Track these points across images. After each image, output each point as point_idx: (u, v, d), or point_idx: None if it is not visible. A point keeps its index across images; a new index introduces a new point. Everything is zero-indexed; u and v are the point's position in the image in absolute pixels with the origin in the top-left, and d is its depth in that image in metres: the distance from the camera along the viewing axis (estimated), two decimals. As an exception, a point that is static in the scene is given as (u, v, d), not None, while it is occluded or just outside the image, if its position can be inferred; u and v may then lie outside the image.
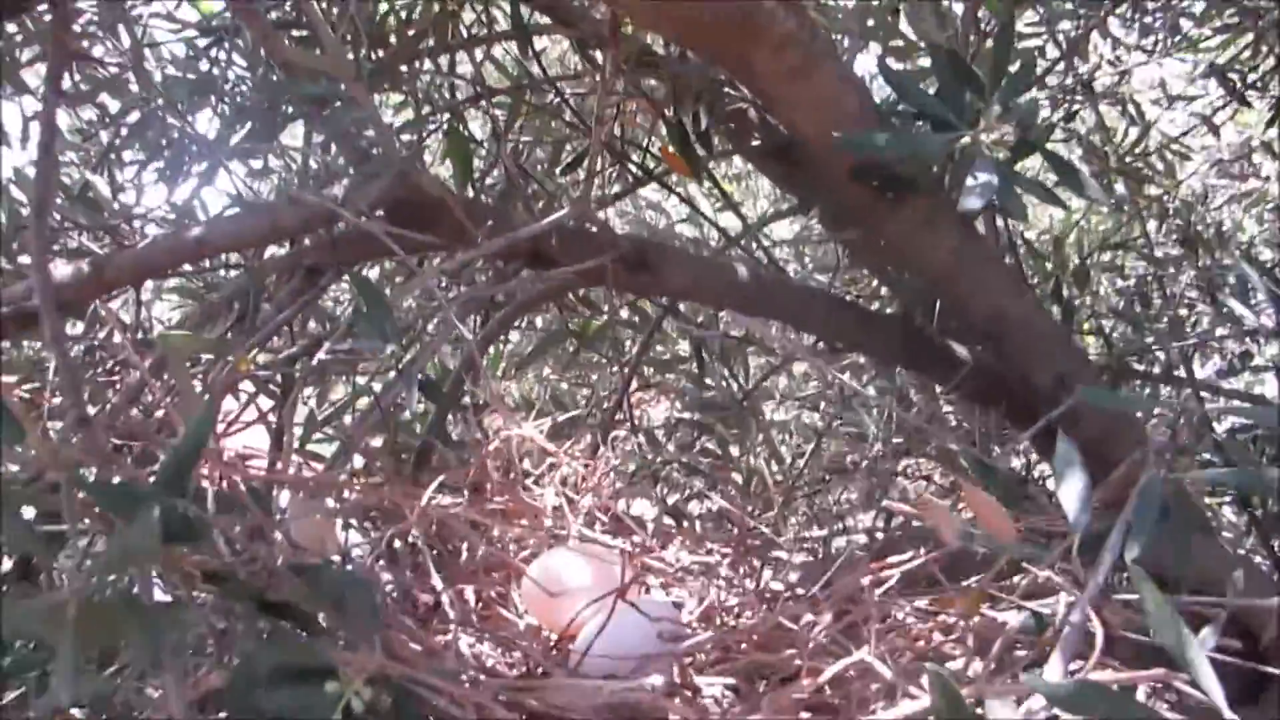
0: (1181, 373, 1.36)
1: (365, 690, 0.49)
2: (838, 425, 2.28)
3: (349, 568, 0.68)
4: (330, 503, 0.71)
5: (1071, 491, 0.68)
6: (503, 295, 1.18)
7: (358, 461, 0.89)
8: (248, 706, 0.48)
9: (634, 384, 1.67)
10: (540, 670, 0.62)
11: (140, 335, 1.28)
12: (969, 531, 0.61)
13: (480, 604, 0.75)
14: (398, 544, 0.75)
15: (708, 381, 1.71)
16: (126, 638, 0.44)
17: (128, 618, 0.43)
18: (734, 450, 1.74)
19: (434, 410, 1.01)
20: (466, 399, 1.04)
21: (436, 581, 0.73)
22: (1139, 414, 1.63)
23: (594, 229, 1.11)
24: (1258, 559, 1.32)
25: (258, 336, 1.06)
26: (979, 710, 0.51)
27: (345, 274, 1.20)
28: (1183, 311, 1.56)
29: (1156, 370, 1.58)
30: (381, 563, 0.70)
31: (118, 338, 0.74)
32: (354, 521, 0.71)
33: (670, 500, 1.55)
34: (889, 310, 1.61)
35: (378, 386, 0.95)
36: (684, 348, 1.78)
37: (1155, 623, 0.52)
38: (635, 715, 0.50)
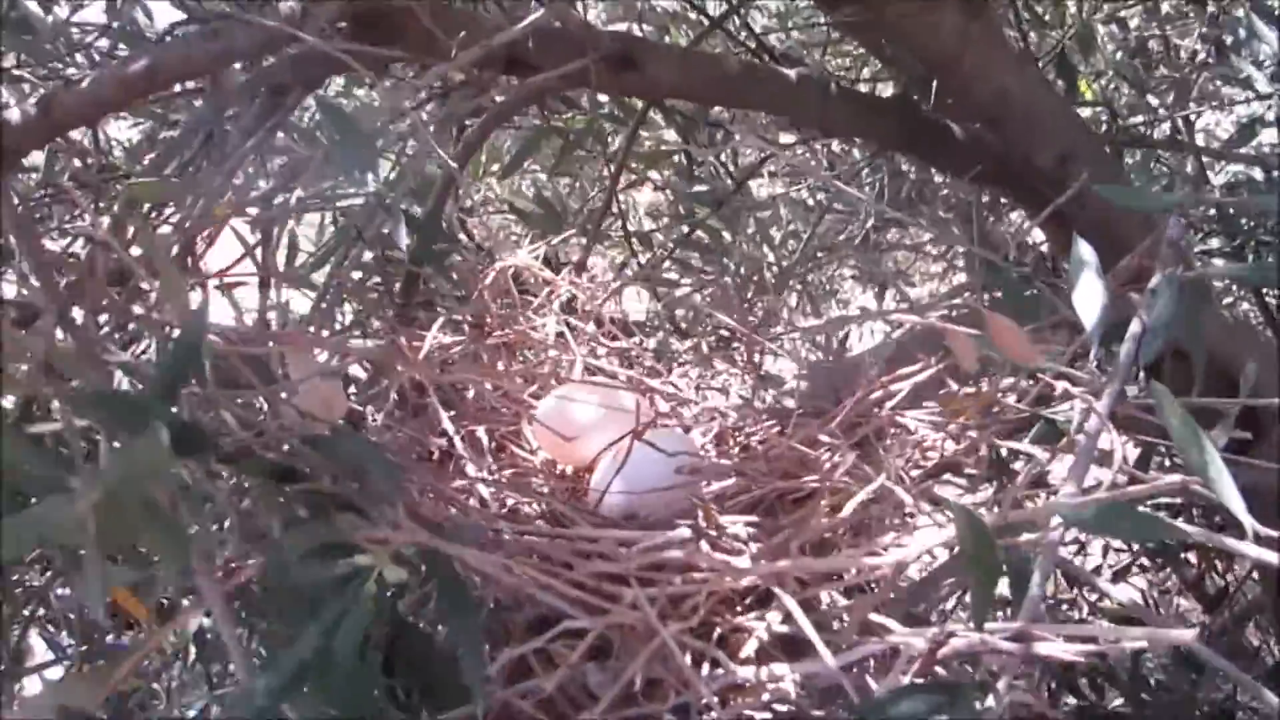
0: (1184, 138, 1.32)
1: (394, 569, 0.49)
2: (828, 200, 2.25)
3: (361, 432, 0.67)
4: (330, 359, 0.69)
5: (1087, 299, 0.67)
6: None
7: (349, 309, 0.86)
8: (284, 593, 0.48)
9: (622, 179, 1.62)
10: (561, 513, 0.63)
11: (99, 168, 1.23)
12: (989, 356, 0.59)
13: (493, 444, 0.75)
14: (404, 390, 0.73)
15: (697, 173, 1.66)
16: (150, 545, 0.43)
17: (149, 523, 0.42)
18: (726, 237, 1.71)
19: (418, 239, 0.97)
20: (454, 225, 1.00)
21: (448, 425, 0.72)
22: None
23: (574, 28, 1.03)
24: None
25: (228, 166, 1.01)
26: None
27: (312, 92, 1.13)
28: (1188, 70, 1.49)
29: (1159, 136, 1.54)
30: (392, 415, 0.69)
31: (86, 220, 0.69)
32: (358, 373, 0.70)
33: (664, 300, 1.55)
34: (885, 94, 1.55)
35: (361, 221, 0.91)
36: (671, 138, 1.72)
37: (1178, 439, 0.51)
38: (664, 565, 0.50)
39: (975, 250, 0.97)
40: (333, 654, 0.45)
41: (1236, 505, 0.49)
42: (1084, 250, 0.69)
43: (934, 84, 1.29)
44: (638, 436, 0.65)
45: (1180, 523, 0.50)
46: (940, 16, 0.98)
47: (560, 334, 0.84)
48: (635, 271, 1.52)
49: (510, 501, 0.67)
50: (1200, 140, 1.83)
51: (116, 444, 0.43)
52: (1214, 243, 1.30)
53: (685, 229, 1.66)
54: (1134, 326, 0.68)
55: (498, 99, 1.18)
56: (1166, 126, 1.47)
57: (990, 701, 0.52)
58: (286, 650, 0.45)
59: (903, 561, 0.51)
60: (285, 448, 0.58)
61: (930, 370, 0.73)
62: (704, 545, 0.53)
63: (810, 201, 2.41)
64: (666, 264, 1.64)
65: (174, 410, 0.44)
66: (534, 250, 0.90)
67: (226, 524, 0.51)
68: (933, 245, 2.67)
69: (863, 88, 1.70)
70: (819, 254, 2.36)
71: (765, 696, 0.54)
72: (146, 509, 0.43)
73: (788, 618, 0.55)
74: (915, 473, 0.66)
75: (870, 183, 2.10)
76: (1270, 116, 1.29)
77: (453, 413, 0.75)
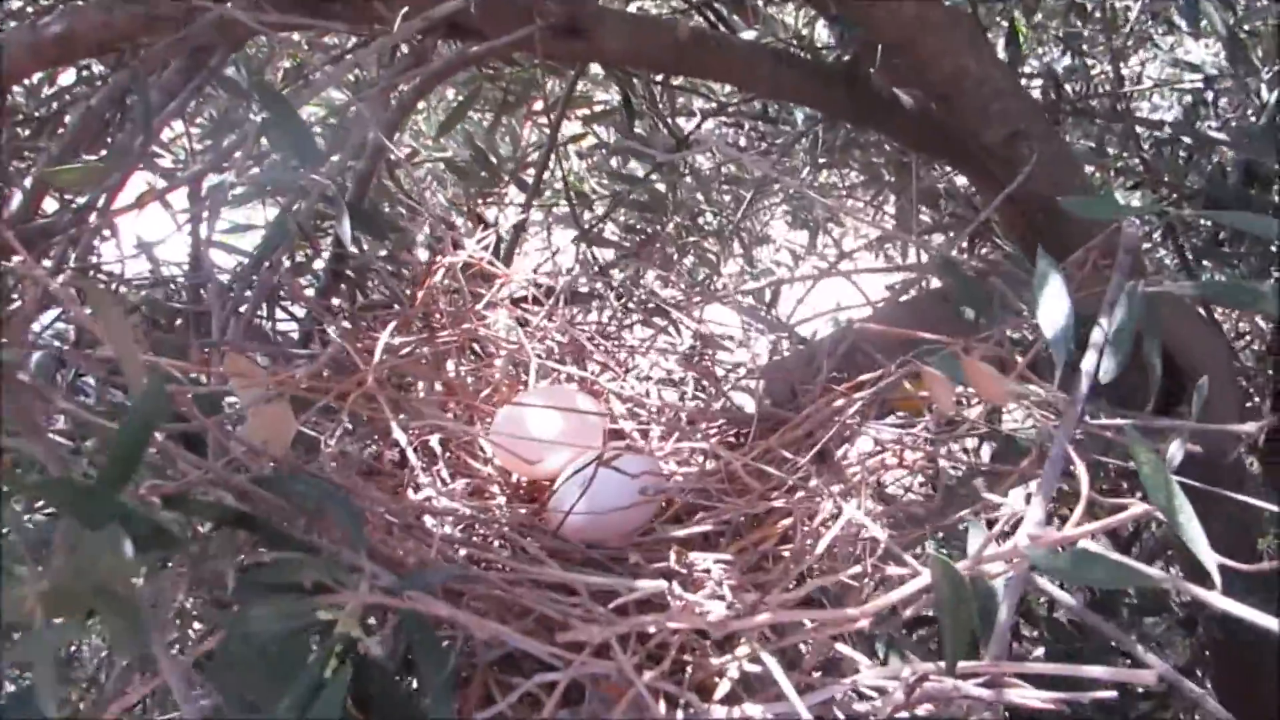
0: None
1: (356, 628, 0.47)
2: (763, 145, 2.23)
3: (315, 456, 0.64)
4: (275, 376, 0.66)
5: (1052, 316, 0.66)
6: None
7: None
8: (249, 664, 0.46)
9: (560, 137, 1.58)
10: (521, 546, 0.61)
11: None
12: (962, 396, 0.59)
13: (446, 453, 0.73)
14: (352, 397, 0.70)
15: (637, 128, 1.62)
16: (104, 627, 0.41)
17: (103, 609, 0.40)
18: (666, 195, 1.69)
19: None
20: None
21: (400, 436, 0.70)
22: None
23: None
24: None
25: (149, 130, 0.94)
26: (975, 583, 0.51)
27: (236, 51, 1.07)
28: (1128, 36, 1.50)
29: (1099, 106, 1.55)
30: (343, 433, 0.66)
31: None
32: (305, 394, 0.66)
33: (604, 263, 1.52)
34: (834, 60, 1.52)
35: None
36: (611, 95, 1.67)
37: (1149, 485, 0.52)
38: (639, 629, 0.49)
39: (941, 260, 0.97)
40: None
41: (1205, 555, 0.50)
42: (1047, 263, 0.69)
43: (880, 52, 1.27)
44: (604, 463, 0.63)
45: (1148, 569, 0.51)
46: (899, 4, 0.96)
47: (512, 331, 0.81)
48: (576, 234, 1.49)
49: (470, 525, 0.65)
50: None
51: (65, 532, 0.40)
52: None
53: (625, 188, 1.62)
54: (1095, 337, 0.69)
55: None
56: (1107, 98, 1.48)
57: (961, 740, 0.53)
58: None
59: (879, 611, 0.51)
60: (236, 488, 0.55)
61: (890, 379, 0.72)
62: (675, 586, 0.52)
63: (743, 142, 2.39)
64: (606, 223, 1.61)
65: (137, 505, 0.41)
66: (483, 239, 0.86)
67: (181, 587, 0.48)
68: (863, 189, 2.68)
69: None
70: (751, 196, 2.35)
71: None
72: (99, 596, 0.40)
73: (756, 657, 0.55)
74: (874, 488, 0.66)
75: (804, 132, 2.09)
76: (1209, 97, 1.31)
77: (401, 416, 0.73)
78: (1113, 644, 1.52)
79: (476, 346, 0.81)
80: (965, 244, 2.34)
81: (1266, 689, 1.30)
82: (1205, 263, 1.76)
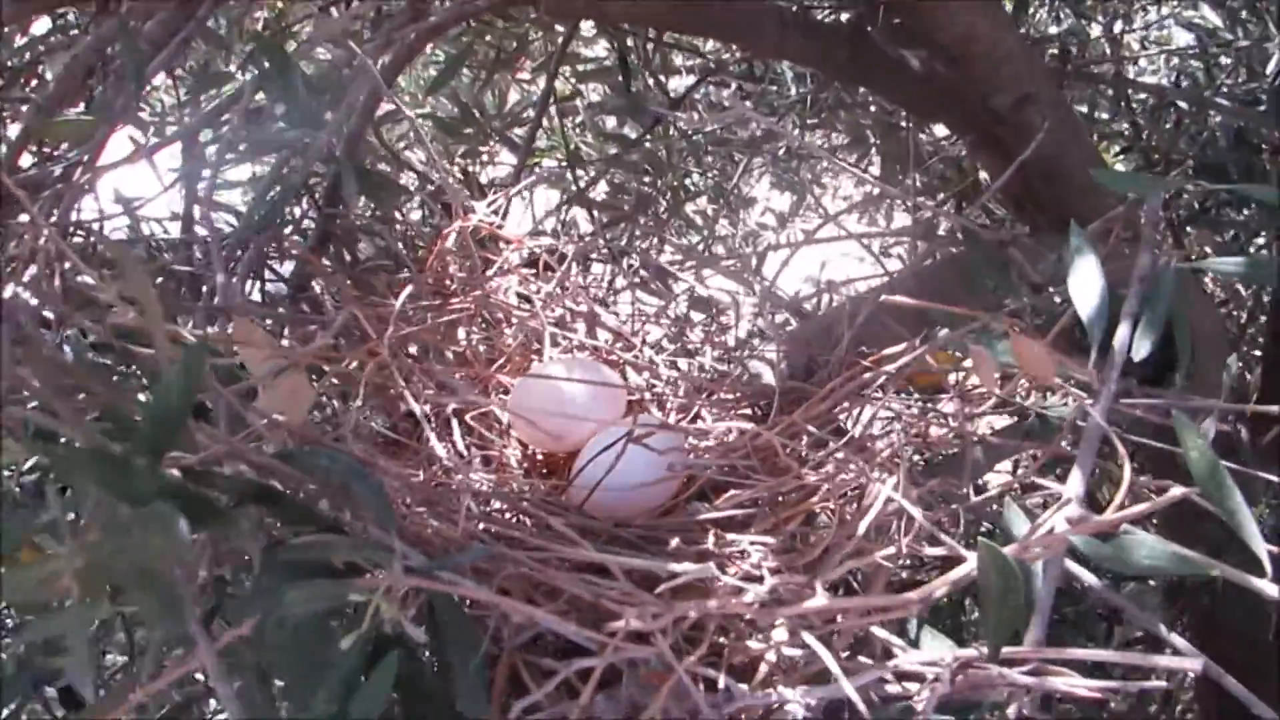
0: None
1: (391, 607, 0.46)
2: (751, 104, 2.20)
3: (332, 426, 0.62)
4: (291, 346, 0.63)
5: (1087, 294, 0.65)
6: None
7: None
8: (286, 648, 0.44)
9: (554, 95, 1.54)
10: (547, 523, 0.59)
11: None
12: (1009, 372, 0.58)
13: (461, 424, 0.71)
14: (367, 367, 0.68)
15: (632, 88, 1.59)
16: (141, 609, 0.39)
17: (141, 589, 0.38)
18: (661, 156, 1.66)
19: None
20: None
21: (415, 408, 0.68)
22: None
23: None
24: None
25: (141, 83, 0.90)
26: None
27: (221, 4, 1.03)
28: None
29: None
30: (363, 404, 0.64)
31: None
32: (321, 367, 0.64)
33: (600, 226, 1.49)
34: (838, 21, 1.49)
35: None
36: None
37: (1197, 472, 0.51)
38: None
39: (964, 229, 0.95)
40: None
41: (1257, 543, 0.49)
42: (1082, 240, 0.68)
43: (884, 12, 1.25)
44: (634, 440, 0.61)
45: (1195, 555, 0.50)
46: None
47: (525, 299, 0.79)
48: (571, 194, 1.46)
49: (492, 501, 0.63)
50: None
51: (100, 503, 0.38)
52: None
53: (618, 148, 1.59)
54: (1126, 314, 0.68)
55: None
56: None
57: (1000, 725, 0.53)
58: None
59: (928, 596, 0.50)
60: (257, 463, 0.53)
61: (915, 354, 0.71)
62: (717, 570, 0.50)
63: (727, 102, 2.36)
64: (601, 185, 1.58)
65: (167, 476, 0.39)
66: (493, 202, 0.84)
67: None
68: (847, 151, 2.66)
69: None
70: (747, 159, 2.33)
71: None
72: (138, 575, 0.38)
73: (793, 637, 0.54)
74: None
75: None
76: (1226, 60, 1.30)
77: (417, 386, 0.71)
78: (1098, 612, 1.54)
79: (486, 315, 0.79)
80: (953, 207, 2.34)
81: (1257, 655, 1.33)
82: (1189, 229, 1.77)
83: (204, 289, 0.81)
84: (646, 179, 1.58)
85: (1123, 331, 0.66)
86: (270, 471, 0.53)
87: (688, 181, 2.12)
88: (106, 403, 0.43)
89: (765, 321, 0.87)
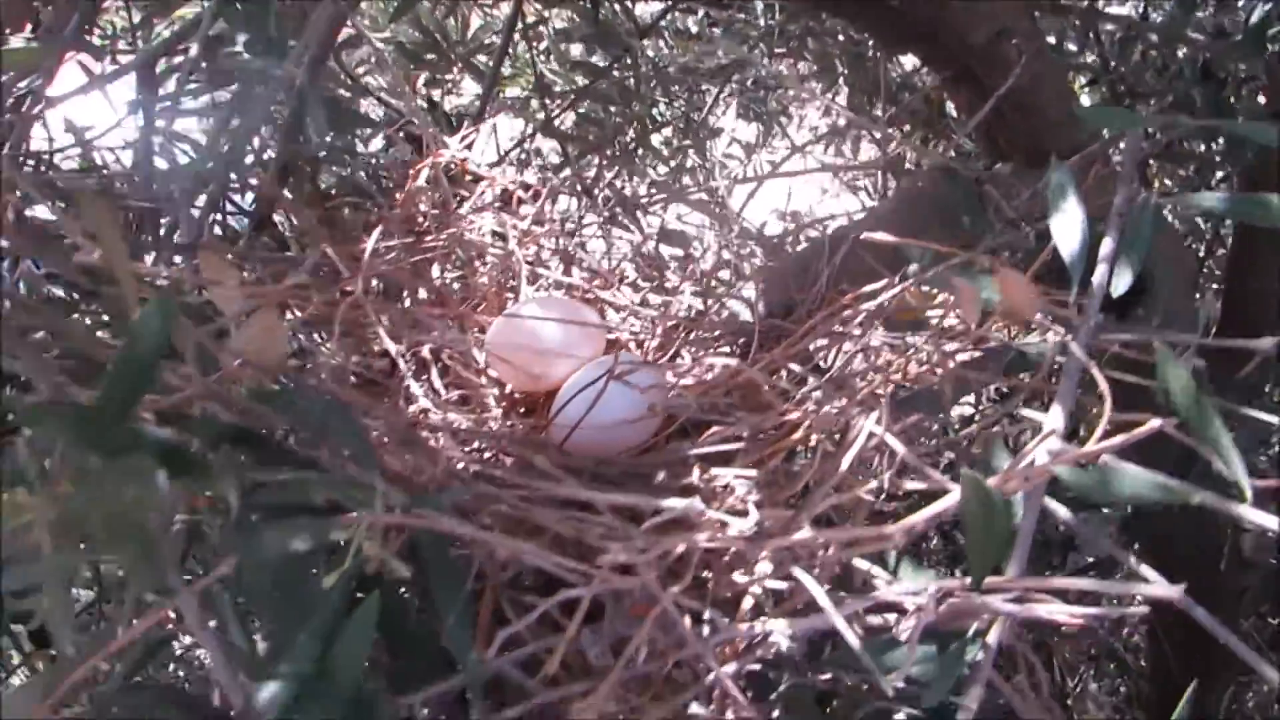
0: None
1: (374, 545, 0.45)
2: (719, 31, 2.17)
3: (307, 364, 0.61)
4: (263, 282, 0.62)
5: (1069, 231, 0.65)
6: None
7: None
8: (265, 588, 0.43)
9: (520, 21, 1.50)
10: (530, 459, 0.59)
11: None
12: (991, 304, 0.58)
13: (439, 363, 0.70)
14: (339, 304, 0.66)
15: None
16: (118, 560, 0.38)
17: (118, 540, 0.37)
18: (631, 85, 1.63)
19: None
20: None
21: (391, 346, 0.67)
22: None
23: None
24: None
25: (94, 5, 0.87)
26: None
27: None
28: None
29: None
30: (339, 340, 0.63)
31: None
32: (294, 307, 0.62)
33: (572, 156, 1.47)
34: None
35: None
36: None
37: (1180, 401, 0.52)
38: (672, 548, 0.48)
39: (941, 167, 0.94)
40: (334, 672, 0.41)
41: (1240, 472, 0.50)
42: (1064, 176, 0.67)
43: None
44: (614, 377, 0.61)
45: (1180, 484, 0.51)
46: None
47: (499, 235, 0.77)
48: (538, 123, 1.43)
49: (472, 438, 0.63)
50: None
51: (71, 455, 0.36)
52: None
53: (586, 77, 1.56)
54: (1104, 250, 0.68)
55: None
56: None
57: (980, 654, 0.54)
58: (280, 661, 0.41)
59: (913, 527, 0.50)
60: (234, 404, 0.51)
61: (896, 290, 0.71)
62: (702, 504, 0.50)
63: (694, 29, 2.32)
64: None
65: (139, 428, 0.38)
66: (465, 136, 0.81)
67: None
68: (815, 80, 2.64)
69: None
70: (704, 88, 2.30)
71: (759, 652, 0.54)
72: (114, 524, 0.37)
73: (778, 570, 0.54)
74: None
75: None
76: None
77: (388, 324, 0.69)
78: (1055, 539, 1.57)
79: (460, 253, 0.77)
80: (921, 138, 2.33)
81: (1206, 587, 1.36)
82: (1152, 163, 1.78)
83: (162, 224, 0.78)
84: (614, 109, 1.55)
85: (1101, 268, 0.66)
86: (245, 412, 0.52)
87: (654, 112, 2.09)
88: (72, 345, 0.41)
89: (740, 257, 0.86)
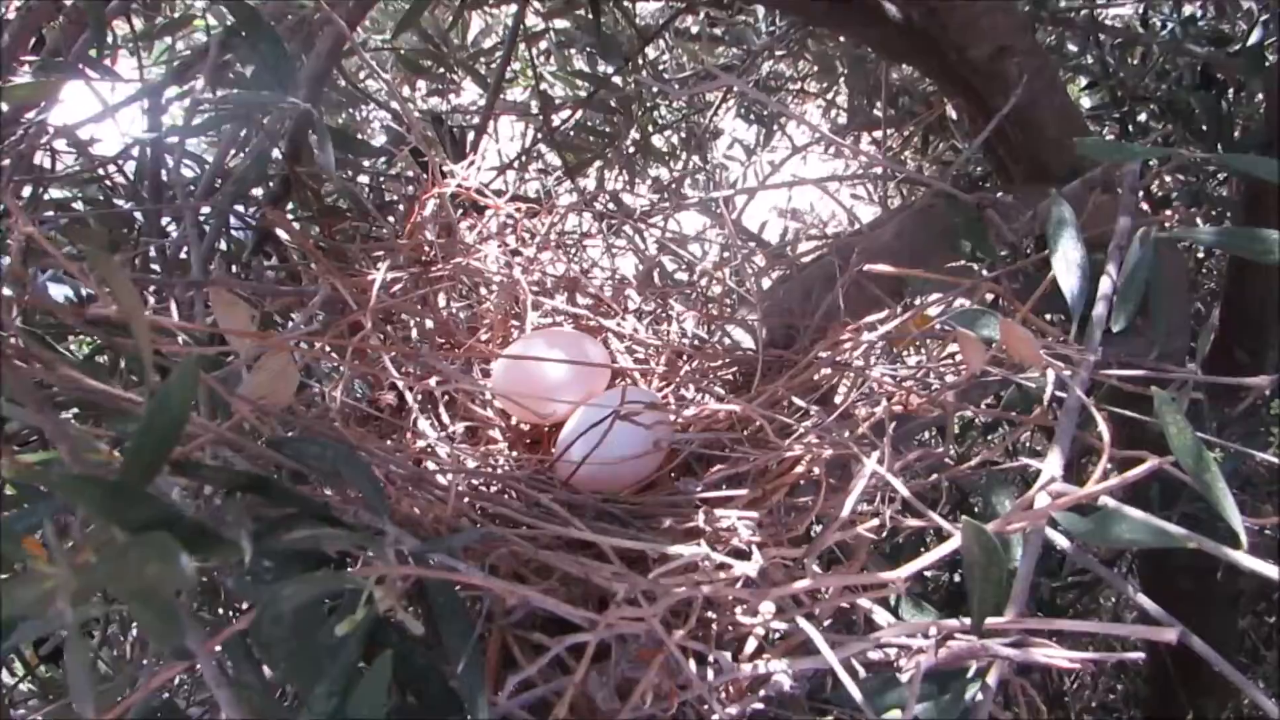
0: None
1: (390, 599, 0.46)
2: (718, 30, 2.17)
3: (314, 407, 0.62)
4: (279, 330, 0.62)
5: (1068, 266, 0.66)
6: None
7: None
8: (283, 642, 0.44)
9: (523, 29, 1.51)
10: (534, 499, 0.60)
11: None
12: (994, 357, 0.58)
13: (445, 397, 0.71)
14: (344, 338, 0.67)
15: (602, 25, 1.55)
16: (138, 621, 0.39)
17: (138, 606, 0.38)
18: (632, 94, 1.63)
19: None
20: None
21: (399, 381, 0.67)
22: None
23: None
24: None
25: (102, 35, 0.87)
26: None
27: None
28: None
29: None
30: (345, 382, 0.63)
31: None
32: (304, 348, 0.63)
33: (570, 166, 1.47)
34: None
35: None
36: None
37: (1177, 445, 0.52)
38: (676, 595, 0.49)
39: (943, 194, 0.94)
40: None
41: (1234, 517, 0.51)
42: (1064, 211, 0.68)
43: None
44: (621, 417, 0.62)
45: (1174, 528, 0.52)
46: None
47: (507, 266, 0.78)
48: (539, 135, 1.44)
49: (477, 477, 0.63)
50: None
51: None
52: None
53: (589, 86, 1.56)
54: (1104, 287, 0.69)
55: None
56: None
57: (980, 695, 0.55)
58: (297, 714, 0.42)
59: (912, 572, 0.51)
60: (247, 451, 0.52)
61: (898, 320, 0.72)
62: (707, 548, 0.51)
63: (695, 30, 2.33)
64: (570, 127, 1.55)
65: (163, 500, 0.38)
66: (471, 164, 0.82)
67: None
68: (814, 81, 2.64)
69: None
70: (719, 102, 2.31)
71: (762, 691, 0.55)
72: (135, 595, 0.38)
73: (780, 613, 0.55)
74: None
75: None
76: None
77: (394, 356, 0.70)
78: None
79: (465, 281, 0.78)
80: (920, 143, 2.33)
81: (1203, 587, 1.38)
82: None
83: (167, 247, 0.79)
84: (615, 116, 1.55)
85: (1101, 304, 0.67)
86: (258, 458, 0.52)
87: (654, 115, 2.09)
88: (100, 411, 0.42)
89: (743, 276, 0.87)
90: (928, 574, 1.29)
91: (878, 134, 2.29)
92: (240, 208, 0.93)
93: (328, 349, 0.61)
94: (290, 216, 0.92)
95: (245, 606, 0.51)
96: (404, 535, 0.53)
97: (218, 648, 0.43)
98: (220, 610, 0.66)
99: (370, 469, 0.52)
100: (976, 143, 0.93)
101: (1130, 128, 1.71)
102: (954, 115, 1.90)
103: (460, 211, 0.80)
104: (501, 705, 0.52)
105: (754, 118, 2.64)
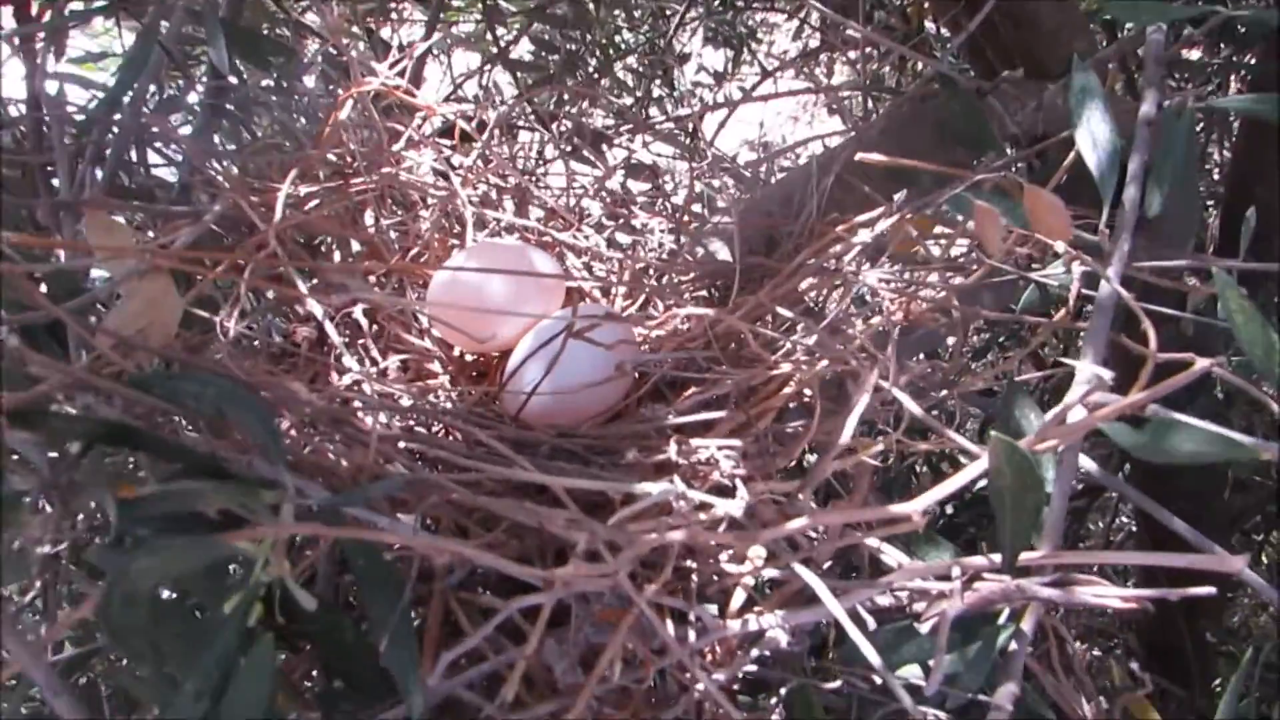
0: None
1: (287, 573, 0.37)
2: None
3: (209, 339, 0.51)
4: (151, 239, 0.52)
5: (1096, 140, 0.56)
6: None
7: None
8: (134, 628, 0.35)
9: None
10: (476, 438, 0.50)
11: None
12: (1015, 235, 0.49)
13: (374, 325, 0.61)
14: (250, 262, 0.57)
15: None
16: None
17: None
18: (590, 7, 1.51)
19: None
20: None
21: (316, 309, 0.57)
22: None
23: None
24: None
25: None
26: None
27: None
28: None
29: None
30: (242, 311, 0.53)
31: None
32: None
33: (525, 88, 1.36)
34: None
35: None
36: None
37: (1245, 335, 0.44)
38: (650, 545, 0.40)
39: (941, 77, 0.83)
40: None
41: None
42: (1089, 79, 0.58)
43: None
44: (575, 334, 0.52)
45: (1245, 438, 0.43)
46: None
47: (442, 175, 0.67)
48: (491, 55, 1.32)
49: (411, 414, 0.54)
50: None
51: None
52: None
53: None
54: (1133, 166, 0.59)
55: None
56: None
57: (1013, 643, 0.46)
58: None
59: (932, 503, 0.42)
60: (109, 393, 0.42)
61: (894, 218, 0.62)
62: (680, 485, 0.42)
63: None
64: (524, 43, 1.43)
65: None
66: (394, 63, 0.71)
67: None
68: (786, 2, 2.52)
69: None
70: (669, 11, 2.19)
71: (754, 651, 0.46)
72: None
73: (771, 558, 0.46)
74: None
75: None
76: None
77: (314, 283, 0.60)
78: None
79: (397, 195, 0.68)
80: (899, 58, 2.21)
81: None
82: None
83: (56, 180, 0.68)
84: (574, 35, 1.44)
85: (1132, 186, 0.58)
86: (128, 404, 0.43)
87: (617, 39, 1.97)
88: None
89: (715, 189, 0.77)
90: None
91: (853, 54, 2.18)
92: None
93: (224, 271, 0.51)
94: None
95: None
96: (309, 486, 0.43)
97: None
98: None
99: (263, 409, 0.42)
100: (971, 27, 0.83)
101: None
102: (936, 28, 1.79)
103: (389, 119, 0.69)
104: (440, 684, 0.43)
105: (722, 39, 2.52)
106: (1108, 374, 0.43)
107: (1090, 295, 0.54)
